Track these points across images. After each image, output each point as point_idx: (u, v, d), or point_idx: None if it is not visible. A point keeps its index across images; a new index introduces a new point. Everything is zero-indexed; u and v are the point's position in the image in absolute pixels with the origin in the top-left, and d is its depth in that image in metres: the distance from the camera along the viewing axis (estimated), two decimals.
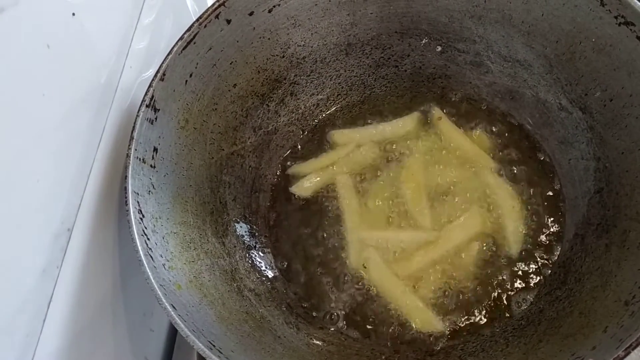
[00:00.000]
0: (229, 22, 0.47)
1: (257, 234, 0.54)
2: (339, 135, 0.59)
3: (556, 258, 0.50)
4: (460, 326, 0.49)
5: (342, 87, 0.59)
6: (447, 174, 0.55)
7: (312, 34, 0.53)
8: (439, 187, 0.54)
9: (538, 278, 0.50)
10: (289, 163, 0.58)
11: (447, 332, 0.48)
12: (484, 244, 0.51)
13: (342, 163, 0.57)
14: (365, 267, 0.51)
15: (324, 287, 0.52)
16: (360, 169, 0.56)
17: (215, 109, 0.50)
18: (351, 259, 0.52)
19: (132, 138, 0.42)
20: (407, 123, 0.58)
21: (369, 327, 0.50)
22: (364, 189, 0.56)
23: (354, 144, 0.57)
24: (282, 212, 0.56)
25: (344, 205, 0.55)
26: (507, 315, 0.49)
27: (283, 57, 0.54)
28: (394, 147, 0.57)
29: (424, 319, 0.49)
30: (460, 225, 0.52)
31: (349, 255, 0.52)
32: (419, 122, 0.58)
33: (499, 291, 0.50)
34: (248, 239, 0.53)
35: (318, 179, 0.56)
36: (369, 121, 0.59)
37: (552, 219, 0.52)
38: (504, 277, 0.50)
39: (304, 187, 0.56)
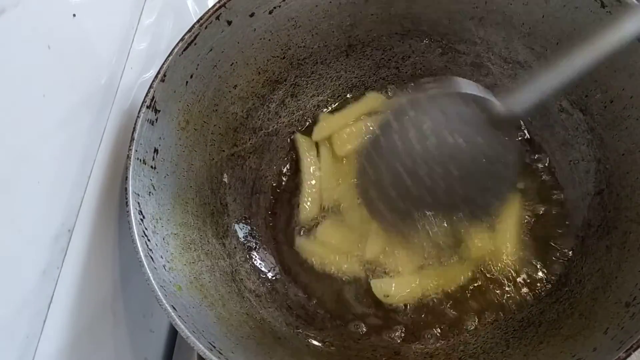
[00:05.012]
0: (229, 23, 0.47)
1: (257, 235, 0.54)
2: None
3: (557, 260, 0.50)
4: (460, 327, 0.49)
5: (343, 89, 0.59)
6: None
7: (312, 35, 0.53)
8: None
9: (539, 279, 0.50)
10: (288, 166, 0.58)
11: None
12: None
13: None
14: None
15: (325, 288, 0.52)
16: None
17: (216, 110, 0.50)
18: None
19: (132, 139, 0.42)
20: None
21: (369, 328, 0.50)
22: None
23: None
24: (283, 213, 0.56)
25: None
26: (508, 316, 0.49)
27: (284, 58, 0.54)
28: None
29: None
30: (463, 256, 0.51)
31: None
32: None
33: (500, 292, 0.50)
34: (248, 240, 0.53)
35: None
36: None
37: (552, 220, 0.52)
38: (504, 278, 0.50)
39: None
